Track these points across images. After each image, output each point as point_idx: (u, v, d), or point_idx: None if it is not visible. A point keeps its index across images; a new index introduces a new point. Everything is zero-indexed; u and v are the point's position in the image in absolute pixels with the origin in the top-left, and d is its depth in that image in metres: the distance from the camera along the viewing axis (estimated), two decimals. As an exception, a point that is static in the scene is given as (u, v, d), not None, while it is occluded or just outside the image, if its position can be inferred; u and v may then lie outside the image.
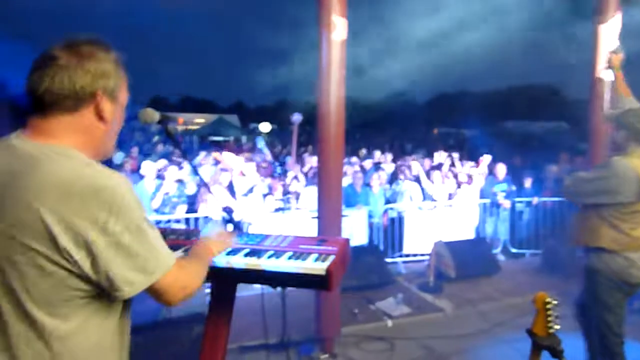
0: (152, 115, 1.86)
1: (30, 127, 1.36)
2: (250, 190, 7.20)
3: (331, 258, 2.01)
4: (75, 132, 1.36)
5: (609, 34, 5.35)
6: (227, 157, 7.95)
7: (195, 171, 2.27)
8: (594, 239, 3.19)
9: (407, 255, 7.69)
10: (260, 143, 7.35)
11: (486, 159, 8.70)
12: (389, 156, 10.95)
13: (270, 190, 7.46)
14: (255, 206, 7.09)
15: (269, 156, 7.13)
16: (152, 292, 1.39)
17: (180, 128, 31.75)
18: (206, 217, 6.86)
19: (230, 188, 7.34)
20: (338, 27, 4.12)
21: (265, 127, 7.30)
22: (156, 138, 13.59)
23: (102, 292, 1.33)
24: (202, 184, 2.32)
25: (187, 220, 7.00)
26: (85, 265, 1.27)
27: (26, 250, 1.23)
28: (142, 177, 7.21)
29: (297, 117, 8.11)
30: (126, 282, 1.31)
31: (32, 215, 1.21)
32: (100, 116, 1.40)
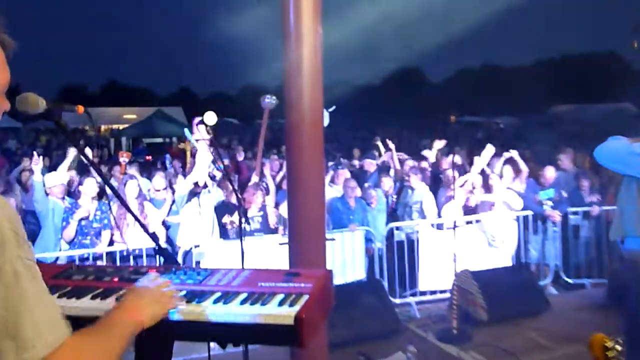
0: (34, 102, 1.83)
1: None
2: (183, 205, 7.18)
3: (303, 299, 1.97)
4: None
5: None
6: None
7: (109, 187, 2.23)
8: None
9: (422, 293, 7.66)
10: (188, 135, 7.27)
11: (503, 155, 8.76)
12: (396, 154, 10.82)
13: (224, 208, 7.43)
14: (199, 229, 7.05)
15: (202, 154, 7.03)
16: None
17: (104, 128, 31.65)
18: (138, 250, 6.78)
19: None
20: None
21: (209, 118, 7.05)
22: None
23: None
24: (123, 206, 2.26)
25: (112, 255, 6.91)
26: None
27: None
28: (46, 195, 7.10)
29: (268, 101, 8.05)
30: None
31: None
32: None
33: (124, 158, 9.77)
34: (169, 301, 1.89)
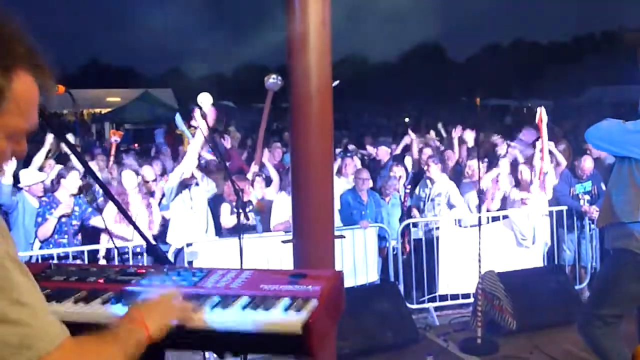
0: None
1: None
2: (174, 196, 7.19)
3: (312, 304, 1.97)
4: None
5: None
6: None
7: (93, 178, 2.23)
8: None
9: (442, 298, 7.67)
10: (180, 122, 7.24)
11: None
12: (415, 141, 10.69)
13: (221, 198, 7.44)
14: (191, 225, 7.07)
15: (195, 142, 7.00)
16: None
17: (85, 112, 31.66)
18: (124, 248, 6.80)
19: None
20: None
21: (205, 99, 7.05)
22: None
23: None
24: (110, 199, 2.25)
25: (94, 254, 6.93)
26: None
27: None
28: (19, 190, 7.14)
29: (273, 81, 8.06)
30: None
31: None
32: None
33: (115, 137, 9.73)
34: (181, 312, 1.91)
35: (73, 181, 6.95)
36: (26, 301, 1.33)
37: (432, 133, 12.77)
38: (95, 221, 6.96)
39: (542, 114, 7.70)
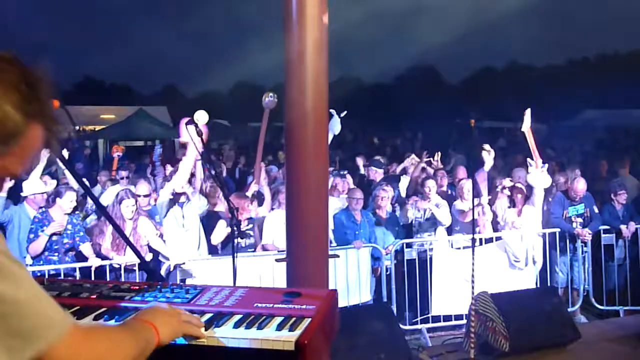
0: None
1: None
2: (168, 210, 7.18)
3: (305, 323, 1.98)
4: None
5: None
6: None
7: (91, 197, 2.23)
8: None
9: (435, 319, 7.65)
10: (185, 131, 7.25)
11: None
12: (412, 160, 10.74)
13: (215, 215, 7.43)
14: (184, 243, 7.06)
15: (188, 159, 7.00)
16: None
17: (87, 128, 31.57)
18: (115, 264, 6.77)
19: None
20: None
21: (201, 116, 7.09)
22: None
23: None
24: (107, 219, 2.25)
25: (86, 272, 6.90)
26: None
27: None
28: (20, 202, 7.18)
29: (270, 99, 8.11)
30: None
31: None
32: None
33: (117, 152, 9.70)
34: (189, 325, 1.92)
35: (68, 202, 6.92)
36: (29, 288, 1.36)
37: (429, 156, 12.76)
38: (85, 248, 6.93)
39: (527, 120, 7.79)
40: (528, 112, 7.99)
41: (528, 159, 8.26)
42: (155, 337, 1.74)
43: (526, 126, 7.92)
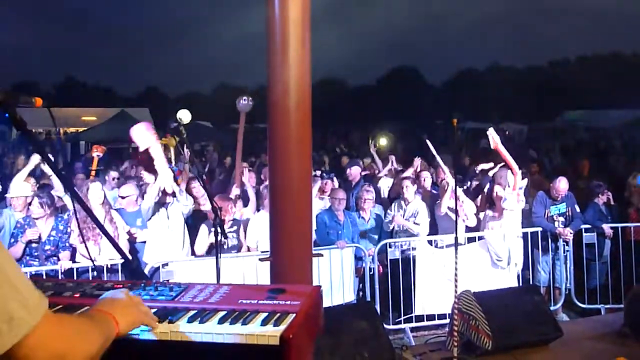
0: None
1: None
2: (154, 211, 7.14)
3: (290, 318, 1.98)
4: None
5: None
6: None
7: (77, 201, 2.22)
8: None
9: (419, 319, 7.68)
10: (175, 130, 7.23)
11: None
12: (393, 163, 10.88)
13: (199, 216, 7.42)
14: (168, 244, 7.06)
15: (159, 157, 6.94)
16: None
17: (62, 130, 31.33)
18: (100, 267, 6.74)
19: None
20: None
21: (184, 115, 7.11)
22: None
23: None
24: (90, 217, 2.23)
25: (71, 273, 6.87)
26: None
27: None
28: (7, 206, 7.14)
29: (244, 103, 8.14)
30: None
31: None
32: None
33: (97, 152, 9.62)
34: (146, 315, 1.92)
35: (49, 204, 6.88)
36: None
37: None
38: (64, 256, 6.91)
39: (494, 138, 7.76)
40: (491, 130, 7.96)
41: (508, 172, 8.22)
42: (115, 328, 1.72)
43: (494, 144, 7.88)
